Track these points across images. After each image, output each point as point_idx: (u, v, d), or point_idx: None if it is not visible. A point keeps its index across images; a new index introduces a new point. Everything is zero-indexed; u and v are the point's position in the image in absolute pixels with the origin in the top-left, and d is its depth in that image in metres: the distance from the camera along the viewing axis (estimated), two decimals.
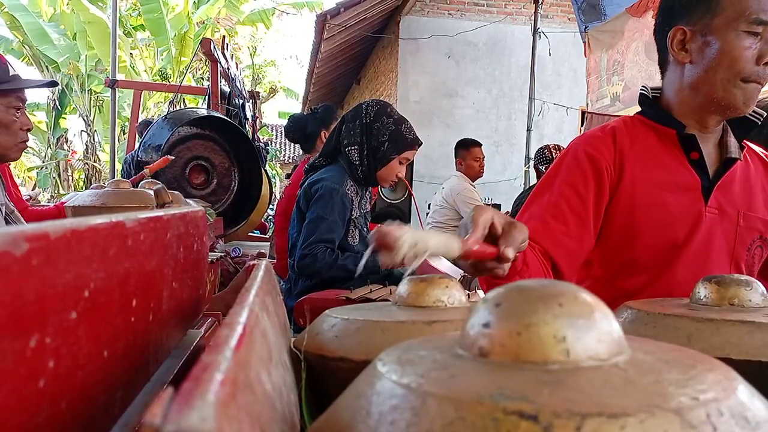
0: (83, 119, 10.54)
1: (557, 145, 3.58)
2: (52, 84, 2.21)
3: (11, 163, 1.86)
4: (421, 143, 1.97)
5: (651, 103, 1.11)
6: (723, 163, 1.06)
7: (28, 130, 1.65)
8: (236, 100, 3.95)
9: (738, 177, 1.07)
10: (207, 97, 3.81)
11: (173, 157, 2.47)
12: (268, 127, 15.88)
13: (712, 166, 1.06)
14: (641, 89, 1.14)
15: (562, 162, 1.09)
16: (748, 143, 1.11)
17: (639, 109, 1.14)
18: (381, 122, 1.88)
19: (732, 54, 0.97)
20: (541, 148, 3.62)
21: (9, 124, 1.60)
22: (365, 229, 2.00)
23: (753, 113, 1.05)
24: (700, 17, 1.00)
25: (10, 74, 1.59)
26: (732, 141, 1.07)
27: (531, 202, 1.08)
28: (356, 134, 1.89)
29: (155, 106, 10.97)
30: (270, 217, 6.22)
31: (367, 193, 2.01)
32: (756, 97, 0.99)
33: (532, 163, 3.86)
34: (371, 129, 1.88)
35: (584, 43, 4.65)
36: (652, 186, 1.04)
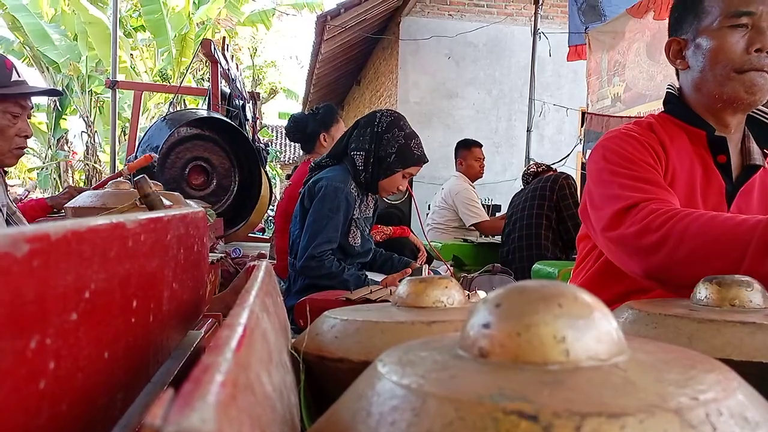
0: (84, 120, 10.54)
1: (538, 164, 3.65)
2: (54, 93, 2.13)
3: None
4: (427, 161, 1.97)
5: (679, 102, 1.11)
6: (744, 169, 1.07)
7: (26, 136, 1.63)
8: (236, 101, 3.95)
9: (757, 184, 1.08)
10: (207, 98, 3.81)
11: (156, 155, 2.43)
12: (268, 128, 15.89)
13: (734, 172, 1.07)
14: (668, 88, 1.15)
15: (620, 148, 1.02)
16: None
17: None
18: (392, 134, 1.89)
19: (721, 49, 0.99)
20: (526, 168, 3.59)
21: (3, 129, 1.58)
22: (366, 231, 2.01)
23: (762, 113, 1.06)
24: (690, 25, 1.05)
25: (12, 79, 1.58)
26: (754, 148, 1.08)
27: (605, 191, 0.99)
28: (365, 141, 1.89)
29: (156, 107, 10.97)
30: (270, 219, 6.21)
31: (369, 199, 2.02)
32: (762, 85, 0.99)
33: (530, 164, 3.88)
34: (381, 139, 1.89)
35: (570, 47, 4.71)
36: (685, 185, 1.04)
